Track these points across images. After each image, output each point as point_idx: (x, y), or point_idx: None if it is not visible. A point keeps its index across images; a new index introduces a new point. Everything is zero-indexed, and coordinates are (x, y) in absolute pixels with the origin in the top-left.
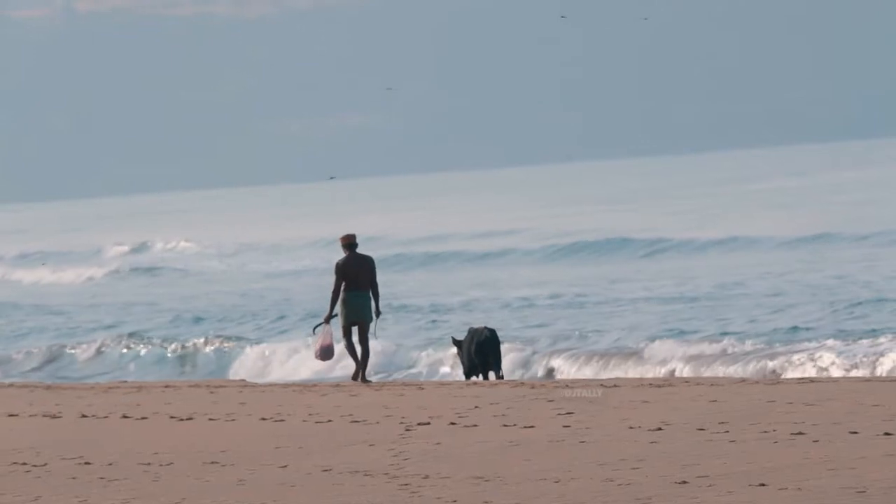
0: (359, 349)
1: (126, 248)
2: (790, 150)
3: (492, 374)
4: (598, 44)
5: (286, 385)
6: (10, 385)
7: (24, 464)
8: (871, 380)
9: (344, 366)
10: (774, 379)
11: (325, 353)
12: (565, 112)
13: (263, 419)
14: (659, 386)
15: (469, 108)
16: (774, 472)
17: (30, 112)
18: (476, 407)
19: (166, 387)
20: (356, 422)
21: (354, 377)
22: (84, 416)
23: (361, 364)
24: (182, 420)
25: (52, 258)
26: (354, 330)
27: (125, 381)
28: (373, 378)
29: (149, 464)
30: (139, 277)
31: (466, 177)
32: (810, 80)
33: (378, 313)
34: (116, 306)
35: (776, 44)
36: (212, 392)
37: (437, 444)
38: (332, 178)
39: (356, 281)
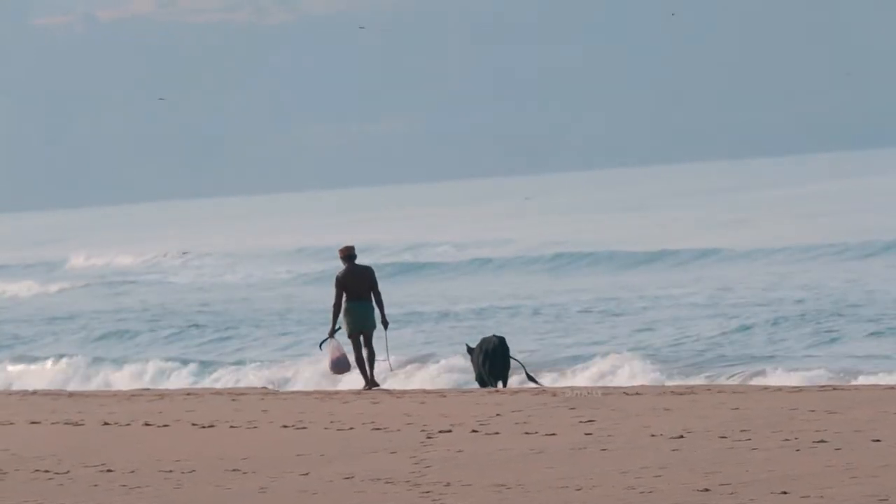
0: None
1: (101, 260)
2: (804, 158)
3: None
4: (615, 49)
5: (308, 393)
6: (34, 393)
7: (47, 471)
8: (895, 388)
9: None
10: (797, 387)
11: (339, 365)
12: (584, 119)
13: (285, 426)
14: (681, 394)
15: (485, 115)
16: (797, 480)
17: (50, 119)
18: (498, 414)
19: (188, 394)
20: (378, 429)
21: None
22: (106, 423)
23: (368, 367)
24: (204, 427)
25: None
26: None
27: (147, 389)
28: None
29: (171, 471)
30: (102, 290)
31: (482, 184)
32: (830, 89)
33: (386, 323)
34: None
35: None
36: (233, 399)
37: (459, 451)
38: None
39: (357, 291)
